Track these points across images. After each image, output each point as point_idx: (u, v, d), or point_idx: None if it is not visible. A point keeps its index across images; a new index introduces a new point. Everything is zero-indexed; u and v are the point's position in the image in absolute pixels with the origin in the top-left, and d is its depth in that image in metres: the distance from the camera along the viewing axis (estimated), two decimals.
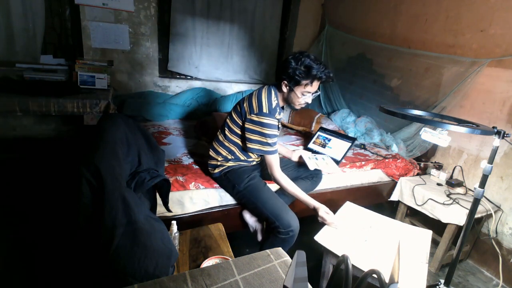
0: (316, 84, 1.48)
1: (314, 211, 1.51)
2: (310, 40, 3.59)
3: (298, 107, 1.57)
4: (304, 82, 1.45)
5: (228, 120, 1.64)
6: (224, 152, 1.63)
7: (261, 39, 3.35)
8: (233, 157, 1.64)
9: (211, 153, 1.68)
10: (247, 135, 1.53)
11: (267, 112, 1.49)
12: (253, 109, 1.50)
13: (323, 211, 1.47)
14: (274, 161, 1.55)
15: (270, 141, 1.50)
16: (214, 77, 3.24)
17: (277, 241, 1.49)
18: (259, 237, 1.71)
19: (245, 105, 1.55)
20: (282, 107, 1.62)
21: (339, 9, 3.27)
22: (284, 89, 1.51)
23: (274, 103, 1.53)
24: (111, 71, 2.60)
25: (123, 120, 1.15)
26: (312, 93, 1.51)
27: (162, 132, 2.37)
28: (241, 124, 1.57)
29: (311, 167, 1.77)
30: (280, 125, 1.66)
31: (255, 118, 1.49)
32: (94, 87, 2.25)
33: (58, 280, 1.45)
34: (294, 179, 1.70)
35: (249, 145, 1.54)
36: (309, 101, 1.54)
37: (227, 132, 1.62)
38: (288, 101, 1.57)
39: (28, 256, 1.60)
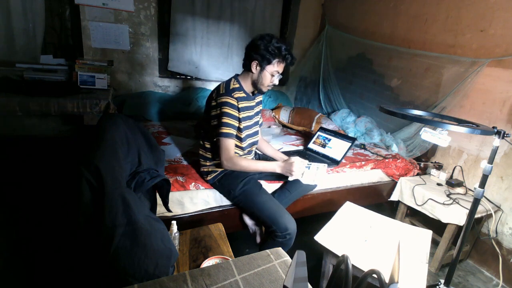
0: (283, 64, 1.52)
1: (281, 170, 1.55)
2: (310, 40, 3.59)
3: (265, 89, 1.57)
4: (275, 60, 1.48)
5: (204, 124, 1.64)
6: (209, 156, 1.62)
7: None
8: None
9: (201, 160, 1.67)
10: (213, 125, 1.54)
11: (223, 91, 1.51)
12: (213, 98, 1.54)
13: (294, 161, 1.52)
14: (223, 145, 1.47)
15: (225, 120, 1.46)
16: (214, 77, 3.24)
17: (275, 244, 1.46)
18: (258, 240, 1.71)
19: (210, 101, 1.57)
20: (253, 93, 1.62)
21: (339, 9, 3.27)
22: (254, 70, 1.52)
23: (232, 86, 1.54)
24: (111, 71, 2.60)
25: (123, 120, 1.15)
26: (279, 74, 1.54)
27: (162, 132, 2.37)
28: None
29: (304, 181, 1.65)
30: (276, 121, 1.64)
31: (214, 103, 1.51)
32: (94, 87, 2.25)
33: (58, 280, 1.45)
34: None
35: (214, 134, 1.52)
36: (276, 83, 1.56)
37: (206, 135, 1.62)
38: (256, 84, 1.56)
39: (28, 256, 1.60)
